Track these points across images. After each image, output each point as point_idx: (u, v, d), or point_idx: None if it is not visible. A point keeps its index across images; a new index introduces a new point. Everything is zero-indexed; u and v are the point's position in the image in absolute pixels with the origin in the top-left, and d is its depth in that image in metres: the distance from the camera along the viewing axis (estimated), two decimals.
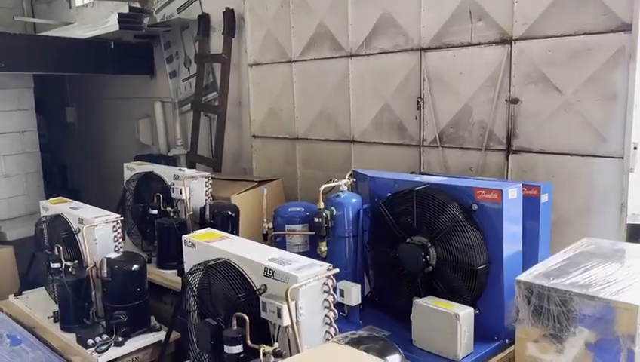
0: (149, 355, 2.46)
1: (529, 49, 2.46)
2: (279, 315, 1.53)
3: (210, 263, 1.75)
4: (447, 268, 1.82)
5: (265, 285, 1.64)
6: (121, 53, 4.63)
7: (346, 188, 2.13)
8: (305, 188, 3.59)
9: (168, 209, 2.96)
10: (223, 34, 3.95)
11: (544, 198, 2.16)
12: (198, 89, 4.30)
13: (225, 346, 1.57)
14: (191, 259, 1.95)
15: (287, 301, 1.47)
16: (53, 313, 2.62)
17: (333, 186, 2.13)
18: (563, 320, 1.57)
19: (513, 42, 2.49)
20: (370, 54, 3.03)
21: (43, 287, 3.05)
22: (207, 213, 2.78)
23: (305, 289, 1.55)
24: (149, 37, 4.73)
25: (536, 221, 2.15)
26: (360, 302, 1.94)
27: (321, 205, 2.04)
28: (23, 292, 2.98)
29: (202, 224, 2.91)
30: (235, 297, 1.68)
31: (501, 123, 2.57)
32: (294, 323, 1.49)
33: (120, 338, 2.35)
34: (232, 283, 1.68)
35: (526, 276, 1.66)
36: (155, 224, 2.93)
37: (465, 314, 1.68)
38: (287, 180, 3.59)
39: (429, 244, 1.84)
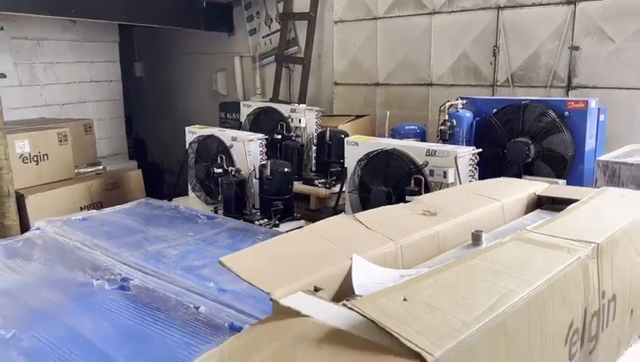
0: None
1: (589, 8, 3.20)
2: (445, 176, 2.30)
3: (384, 149, 2.51)
4: (543, 157, 2.60)
5: (427, 161, 2.40)
6: (208, 11, 5.29)
7: (460, 106, 2.88)
8: (382, 125, 4.33)
9: (291, 134, 3.71)
10: None
11: (602, 118, 2.93)
12: (281, 44, 4.99)
13: (406, 197, 2.34)
14: (354, 153, 2.70)
15: (455, 164, 2.24)
16: (214, 207, 3.38)
17: (452, 105, 2.88)
18: (629, 186, 2.35)
19: (576, 3, 3.24)
20: (452, 12, 3.75)
21: (183, 197, 3.81)
22: (328, 136, 3.52)
23: (461, 160, 2.31)
24: None
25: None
26: None
27: (446, 117, 2.80)
28: (173, 199, 3.74)
29: (319, 145, 3.68)
30: (403, 171, 2.45)
31: (563, 65, 3.33)
32: (459, 180, 2.27)
33: (277, 222, 3.12)
34: (402, 161, 2.45)
35: (602, 158, 2.44)
36: (282, 146, 3.68)
37: (562, 182, 2.47)
38: None
39: (530, 142, 2.61)
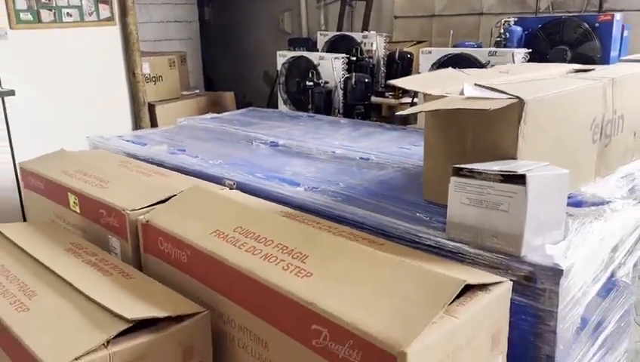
0: None
1: None
2: None
3: (455, 53, 3.27)
4: (576, 61, 3.32)
5: (489, 60, 3.15)
6: None
7: (512, 22, 3.60)
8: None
9: (363, 56, 4.47)
10: None
11: (625, 33, 3.61)
12: None
13: None
14: (428, 60, 3.46)
15: (513, 59, 2.99)
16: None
17: (506, 21, 3.60)
18: None
19: None
20: None
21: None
22: (397, 56, 4.28)
23: (517, 56, 3.06)
24: None
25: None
26: None
27: (502, 30, 3.53)
28: None
29: (389, 64, 4.44)
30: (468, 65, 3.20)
31: None
32: None
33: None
34: (469, 61, 3.20)
35: (624, 57, 3.14)
36: (357, 65, 4.45)
37: None
38: None
39: (568, 49, 3.34)
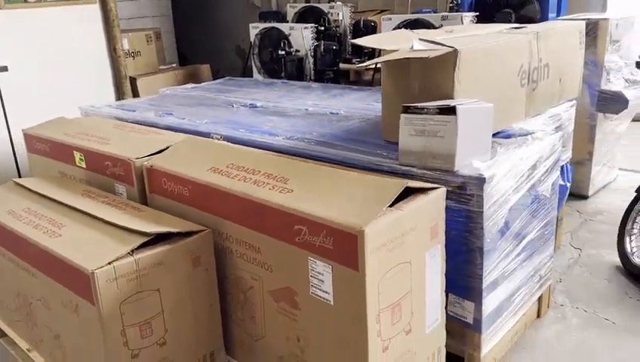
0: None
1: None
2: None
3: (412, 19, 3.61)
4: (520, 20, 3.70)
5: (442, 24, 3.51)
6: None
7: None
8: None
9: (331, 25, 4.77)
10: None
11: None
12: None
13: None
14: (389, 26, 3.80)
15: (462, 22, 3.35)
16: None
17: None
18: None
19: None
20: None
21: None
22: (362, 24, 4.60)
23: (466, 20, 3.42)
24: None
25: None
26: None
27: None
28: None
29: (354, 32, 4.75)
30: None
31: None
32: None
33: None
34: (423, 25, 3.55)
35: (559, 18, 3.53)
36: (325, 35, 4.75)
37: None
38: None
39: (512, 12, 3.71)
